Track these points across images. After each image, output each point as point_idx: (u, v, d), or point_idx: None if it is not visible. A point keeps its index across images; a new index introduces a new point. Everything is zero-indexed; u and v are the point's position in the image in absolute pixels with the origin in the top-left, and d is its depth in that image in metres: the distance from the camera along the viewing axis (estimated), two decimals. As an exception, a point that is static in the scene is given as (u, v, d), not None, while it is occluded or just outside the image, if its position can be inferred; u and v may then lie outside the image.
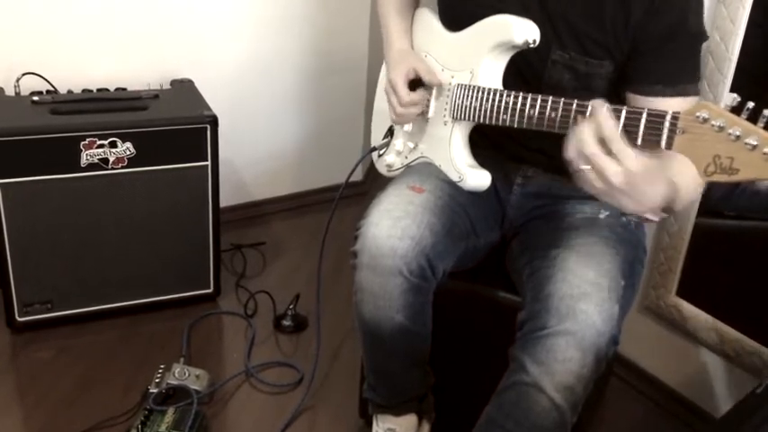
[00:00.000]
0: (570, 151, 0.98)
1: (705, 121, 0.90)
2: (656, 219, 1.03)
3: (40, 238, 1.77)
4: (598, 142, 0.95)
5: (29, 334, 1.85)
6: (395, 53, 1.41)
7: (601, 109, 0.97)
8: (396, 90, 1.34)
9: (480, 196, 1.33)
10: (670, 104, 1.11)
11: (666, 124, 0.94)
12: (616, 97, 1.23)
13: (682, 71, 1.18)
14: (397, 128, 1.46)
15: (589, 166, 0.96)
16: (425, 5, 1.46)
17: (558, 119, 1.09)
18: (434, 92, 1.33)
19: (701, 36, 1.19)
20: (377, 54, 2.46)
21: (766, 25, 1.42)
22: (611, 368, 1.51)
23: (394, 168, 1.47)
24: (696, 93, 1.20)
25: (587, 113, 1.00)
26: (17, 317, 1.83)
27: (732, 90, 1.47)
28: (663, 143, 0.94)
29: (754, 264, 1.55)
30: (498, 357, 1.21)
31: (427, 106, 1.35)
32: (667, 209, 1.02)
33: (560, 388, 1.12)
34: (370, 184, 2.71)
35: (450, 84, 1.30)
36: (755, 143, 0.86)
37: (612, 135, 0.95)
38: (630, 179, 0.95)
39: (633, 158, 0.94)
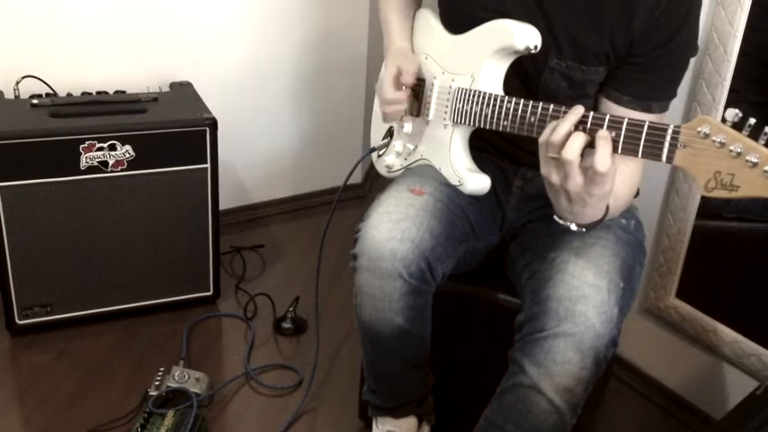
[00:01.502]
0: (552, 137, 1.02)
1: (706, 136, 0.90)
2: (574, 229, 1.11)
3: (40, 242, 1.77)
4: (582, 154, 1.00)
5: (28, 337, 1.85)
6: (393, 52, 1.41)
7: (603, 131, 1.00)
8: (381, 86, 1.35)
9: (480, 198, 1.33)
10: (631, 116, 1.12)
11: (668, 138, 0.94)
12: None
13: (655, 90, 1.19)
14: (396, 129, 1.46)
15: (557, 157, 1.01)
16: (426, 6, 1.46)
17: None
18: (434, 93, 1.33)
19: (690, 53, 1.19)
20: (376, 55, 2.46)
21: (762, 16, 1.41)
22: (610, 370, 1.51)
23: (393, 169, 1.47)
24: (663, 110, 1.20)
25: (587, 125, 1.03)
26: (17, 320, 1.83)
27: (729, 91, 1.47)
28: (663, 157, 0.95)
29: (754, 265, 1.55)
30: (497, 359, 1.21)
31: (427, 107, 1.35)
32: (588, 226, 1.10)
33: (559, 390, 1.12)
34: (370, 186, 2.71)
35: (450, 87, 1.29)
36: (756, 160, 0.86)
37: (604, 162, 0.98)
38: (583, 196, 1.02)
39: (606, 187, 1.00)
